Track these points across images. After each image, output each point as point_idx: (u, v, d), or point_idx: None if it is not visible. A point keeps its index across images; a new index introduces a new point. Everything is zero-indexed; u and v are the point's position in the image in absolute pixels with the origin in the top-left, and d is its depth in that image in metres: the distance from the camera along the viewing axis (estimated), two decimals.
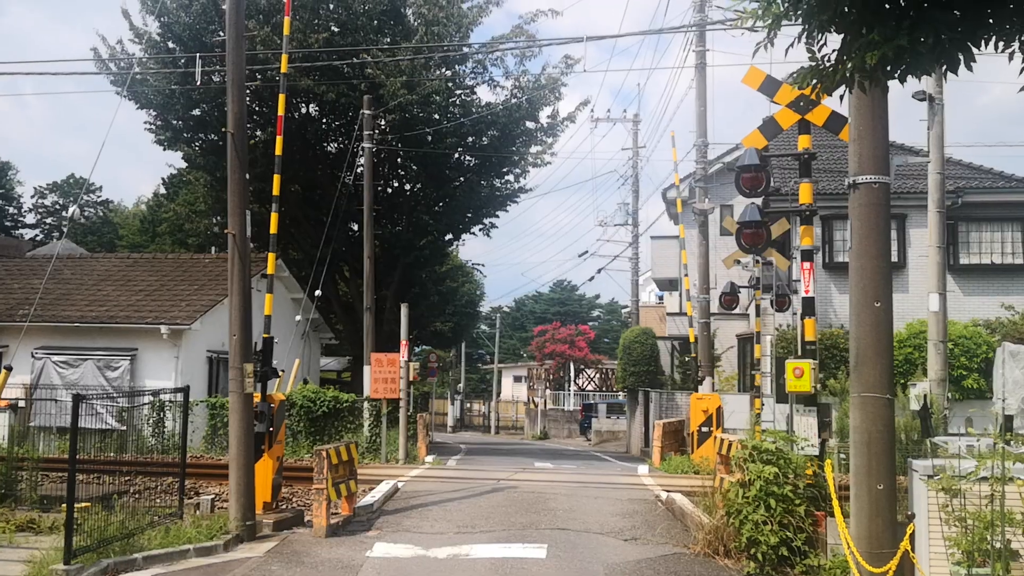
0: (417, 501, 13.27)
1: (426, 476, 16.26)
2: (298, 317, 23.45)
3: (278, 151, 12.34)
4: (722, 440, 11.65)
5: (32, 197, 62.43)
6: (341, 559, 9.96)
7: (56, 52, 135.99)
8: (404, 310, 19.16)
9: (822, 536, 9.91)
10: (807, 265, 11.15)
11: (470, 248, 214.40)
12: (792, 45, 4.71)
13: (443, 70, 24.17)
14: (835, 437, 12.04)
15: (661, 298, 42.25)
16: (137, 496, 12.98)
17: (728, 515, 10.21)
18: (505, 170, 27.37)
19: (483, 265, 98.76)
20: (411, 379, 18.92)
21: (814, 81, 4.84)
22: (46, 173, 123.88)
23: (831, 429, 11.12)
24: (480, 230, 29.84)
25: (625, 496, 14.11)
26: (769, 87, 11.39)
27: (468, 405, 56.56)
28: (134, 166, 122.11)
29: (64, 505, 12.02)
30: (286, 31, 12.74)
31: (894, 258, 23.07)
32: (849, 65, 4.26)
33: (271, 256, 12.61)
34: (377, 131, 23.35)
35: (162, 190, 53.43)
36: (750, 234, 11.61)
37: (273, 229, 12.64)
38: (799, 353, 11.23)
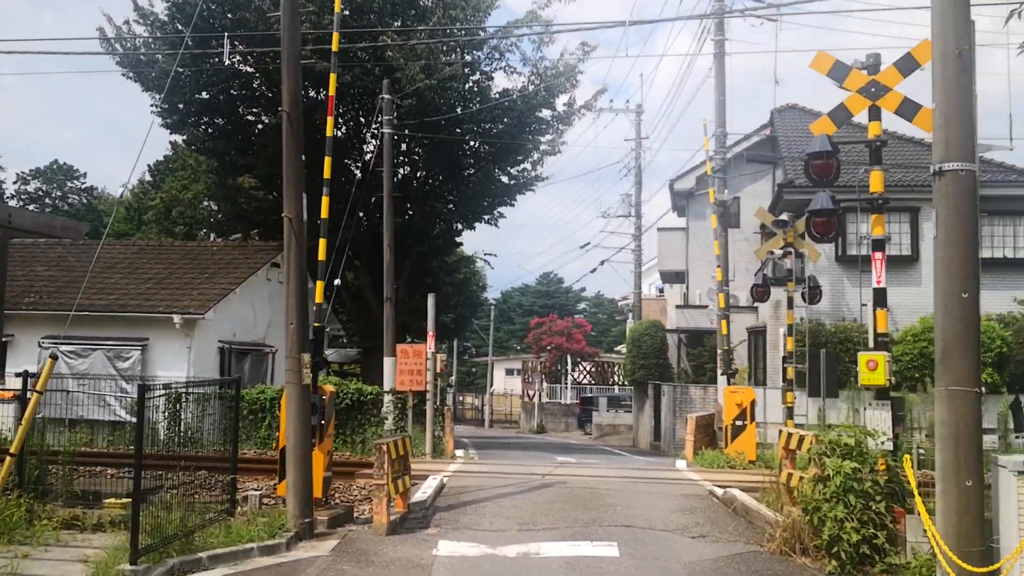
0: (467, 497, 12.91)
1: (466, 471, 15.87)
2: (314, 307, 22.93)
3: (329, 132, 11.93)
4: (790, 434, 11.35)
5: (14, 183, 61.21)
6: (410, 558, 9.59)
7: (35, 34, 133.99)
8: (431, 300, 18.78)
9: (901, 533, 9.63)
10: (879, 255, 10.81)
11: (467, 239, 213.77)
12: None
13: (461, 55, 23.70)
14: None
15: (661, 291, 42.03)
16: (173, 491, 12.51)
17: (806, 512, 9.91)
18: (520, 158, 26.96)
19: (495, 255, 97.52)
20: (438, 371, 18.55)
21: None
22: (29, 159, 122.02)
23: (904, 423, 10.87)
24: (487, 220, 29.40)
25: (678, 492, 13.82)
26: (838, 72, 11.04)
27: (460, 398, 56.19)
28: (118, 152, 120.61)
29: (108, 501, 11.70)
30: (337, 7, 12.31)
31: (907, 251, 22.97)
32: None
33: (322, 241, 12.20)
34: (389, 117, 22.86)
35: (147, 177, 52.62)
36: (821, 223, 11.26)
37: (324, 214, 12.24)
38: (871, 345, 10.92)
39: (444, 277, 31.35)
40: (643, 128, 37.43)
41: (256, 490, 12.60)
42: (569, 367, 49.46)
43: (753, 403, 17.74)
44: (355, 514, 11.76)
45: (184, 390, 11.37)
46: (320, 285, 11.91)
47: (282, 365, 23.62)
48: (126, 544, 8.80)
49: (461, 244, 33.47)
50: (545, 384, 48.15)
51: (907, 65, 10.56)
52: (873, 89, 10.92)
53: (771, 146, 29.19)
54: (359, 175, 25.80)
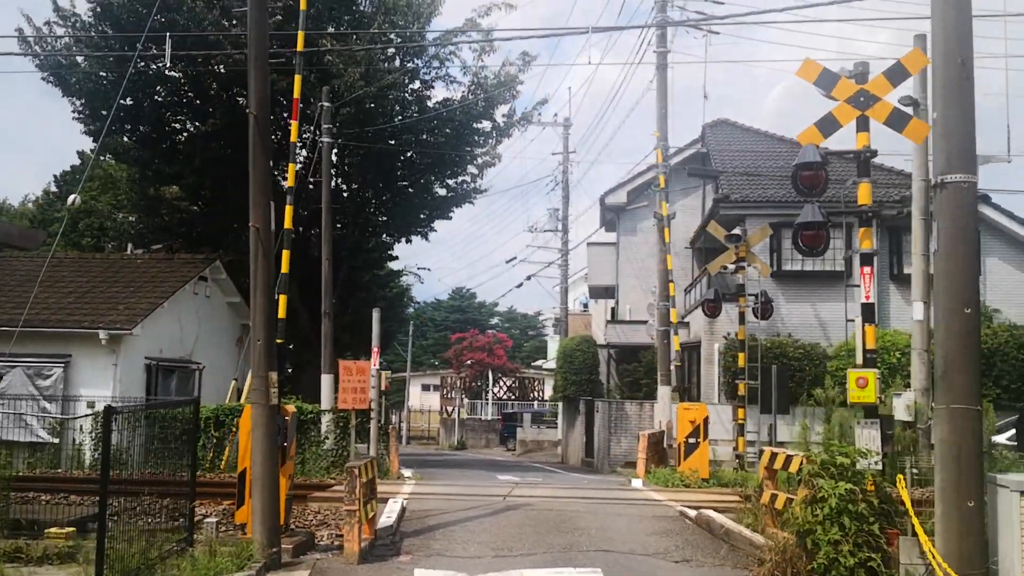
0: (433, 521, 12.31)
1: (423, 494, 15.24)
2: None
3: (293, 137, 11.32)
4: (775, 454, 11.11)
5: None
6: None
7: None
8: (376, 315, 18.13)
9: (894, 555, 9.44)
10: (867, 269, 10.60)
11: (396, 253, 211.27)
12: None
13: (402, 63, 23.10)
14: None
15: (586, 306, 41.95)
16: (115, 519, 11.58)
17: (798, 535, 9.65)
18: (458, 170, 26.50)
19: (428, 269, 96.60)
20: (383, 388, 17.88)
21: None
22: None
23: (893, 442, 10.73)
24: (420, 232, 28.80)
25: (648, 513, 13.47)
26: (826, 81, 10.80)
27: None
28: (17, 161, 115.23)
29: (51, 530, 10.75)
30: (303, 6, 11.67)
31: (841, 267, 23.14)
32: None
33: (286, 253, 11.50)
34: (328, 125, 22.13)
35: (53, 188, 50.39)
36: (810, 235, 10.93)
37: (288, 223, 11.57)
38: (859, 362, 10.74)
39: (377, 291, 30.64)
40: (571, 144, 37.36)
41: (208, 516, 11.76)
42: (490, 383, 49.00)
43: (706, 420, 17.52)
44: (316, 539, 11.10)
45: (148, 412, 10.51)
46: (283, 299, 11.21)
47: (209, 382, 22.82)
48: None
49: (396, 257, 32.84)
50: (465, 400, 47.62)
51: (897, 74, 10.32)
52: (862, 99, 10.60)
53: (703, 161, 29.35)
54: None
